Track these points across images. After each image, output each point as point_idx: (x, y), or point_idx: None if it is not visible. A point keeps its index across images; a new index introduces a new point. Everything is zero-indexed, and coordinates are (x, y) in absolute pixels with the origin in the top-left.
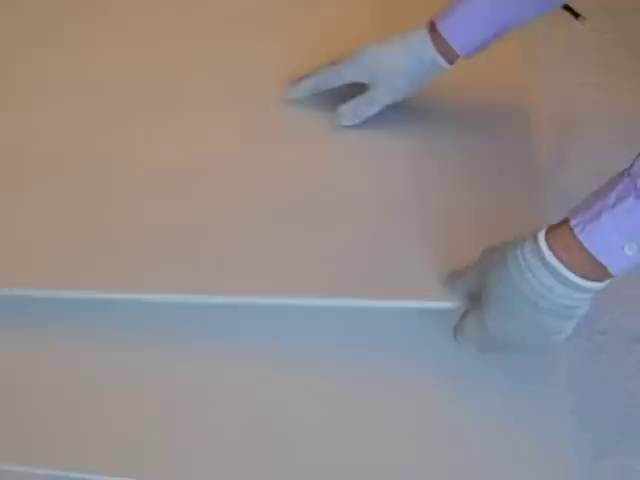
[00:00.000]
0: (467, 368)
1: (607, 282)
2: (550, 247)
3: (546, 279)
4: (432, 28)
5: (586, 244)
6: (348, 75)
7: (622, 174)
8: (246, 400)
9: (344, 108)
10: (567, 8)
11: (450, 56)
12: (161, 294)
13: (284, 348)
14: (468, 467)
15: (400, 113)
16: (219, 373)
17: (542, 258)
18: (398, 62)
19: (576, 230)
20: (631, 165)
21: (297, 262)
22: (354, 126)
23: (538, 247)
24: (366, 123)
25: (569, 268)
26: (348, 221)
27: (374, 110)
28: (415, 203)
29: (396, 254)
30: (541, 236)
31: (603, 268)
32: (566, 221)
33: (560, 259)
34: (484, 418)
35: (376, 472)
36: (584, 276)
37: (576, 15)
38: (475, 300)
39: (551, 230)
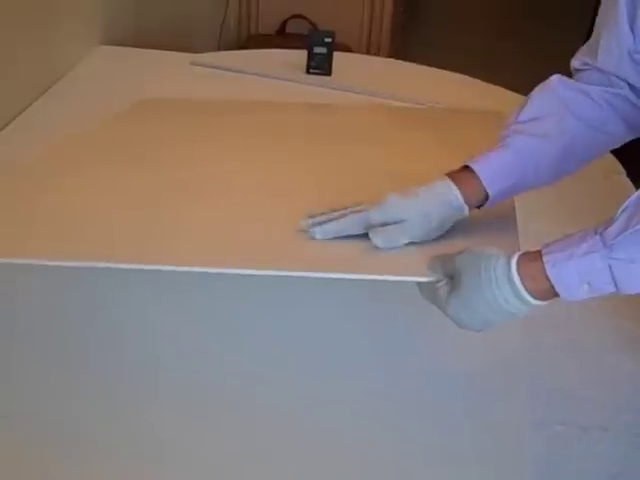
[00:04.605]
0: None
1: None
2: (519, 273)
3: (507, 295)
4: (458, 176)
5: (551, 277)
6: (377, 219)
7: (595, 230)
8: None
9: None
10: None
11: (474, 201)
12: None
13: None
14: None
15: None
16: None
17: (510, 280)
18: (429, 208)
19: (547, 265)
20: (605, 228)
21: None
22: None
23: (509, 270)
24: None
25: (529, 292)
26: None
27: (404, 241)
28: None
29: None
30: (513, 262)
31: (556, 295)
32: (538, 255)
33: (524, 285)
34: None
35: None
36: (537, 298)
37: None
38: (449, 277)
39: (523, 259)
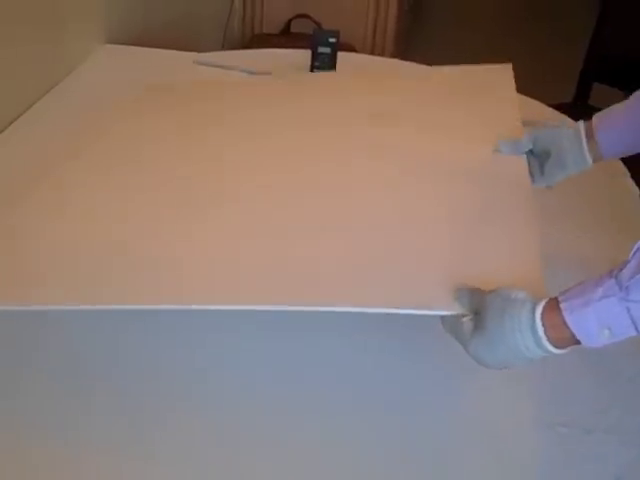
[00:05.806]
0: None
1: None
2: (543, 323)
3: (529, 343)
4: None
5: (571, 325)
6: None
7: (610, 274)
8: None
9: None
10: None
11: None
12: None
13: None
14: None
15: None
16: None
17: (533, 329)
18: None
19: (565, 313)
20: (620, 270)
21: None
22: None
23: (533, 319)
24: None
25: (551, 342)
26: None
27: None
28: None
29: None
30: (538, 312)
31: (578, 342)
32: (557, 301)
33: (547, 334)
34: None
35: None
36: (559, 346)
37: None
38: (475, 313)
39: (546, 307)
